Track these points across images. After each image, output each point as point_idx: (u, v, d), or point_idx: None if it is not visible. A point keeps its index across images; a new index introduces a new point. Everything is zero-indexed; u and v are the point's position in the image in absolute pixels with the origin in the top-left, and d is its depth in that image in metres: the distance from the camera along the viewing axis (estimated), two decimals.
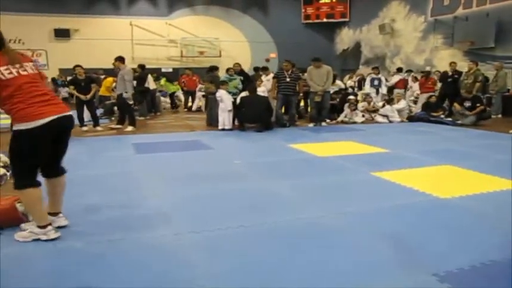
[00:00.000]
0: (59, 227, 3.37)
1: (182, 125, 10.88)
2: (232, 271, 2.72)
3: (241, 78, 10.86)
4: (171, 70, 20.43)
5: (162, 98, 14.79)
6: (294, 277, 2.63)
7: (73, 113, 3.44)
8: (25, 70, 3.12)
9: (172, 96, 15.71)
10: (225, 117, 9.70)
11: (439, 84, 12.96)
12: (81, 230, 3.41)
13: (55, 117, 3.11)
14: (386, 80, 14.07)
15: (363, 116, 11.85)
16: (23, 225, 3.33)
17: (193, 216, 3.77)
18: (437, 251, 3.00)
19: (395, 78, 14.15)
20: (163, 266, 2.79)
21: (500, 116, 12.25)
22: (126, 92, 9.65)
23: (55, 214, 3.43)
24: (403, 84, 14.11)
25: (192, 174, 5.37)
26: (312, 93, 10.41)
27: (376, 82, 13.52)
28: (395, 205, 4.09)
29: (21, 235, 3.21)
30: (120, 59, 9.77)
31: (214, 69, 11.37)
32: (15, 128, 3.06)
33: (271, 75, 11.50)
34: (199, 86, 15.00)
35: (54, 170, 3.40)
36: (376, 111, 12.06)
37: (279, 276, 2.64)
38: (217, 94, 9.76)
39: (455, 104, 11.33)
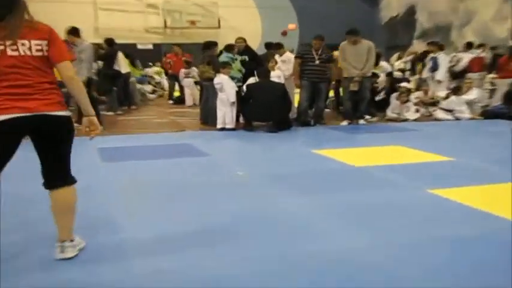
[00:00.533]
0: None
1: (167, 123, 11.03)
2: None
3: (246, 58, 10.96)
4: (150, 47, 20.51)
5: (138, 86, 14.95)
6: None
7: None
8: (16, 50, 3.23)
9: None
10: (226, 113, 9.84)
11: None
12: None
13: (20, 115, 3.23)
14: (453, 64, 13.90)
15: (417, 111, 11.88)
16: None
17: (180, 248, 3.86)
18: None
19: (465, 58, 13.92)
20: None
21: None
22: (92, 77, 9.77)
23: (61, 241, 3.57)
24: (479, 65, 13.79)
25: (180, 191, 5.50)
26: (346, 79, 10.49)
27: (431, 63, 13.43)
28: (461, 235, 4.08)
29: None
30: (74, 32, 9.65)
31: (211, 45, 11.45)
32: None
33: (288, 54, 11.60)
34: (183, 70, 15.15)
35: (50, 181, 3.53)
36: (435, 103, 12.10)
37: None
38: (216, 81, 9.88)
39: None
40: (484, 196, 5.23)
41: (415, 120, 11.31)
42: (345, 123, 10.67)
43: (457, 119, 11.53)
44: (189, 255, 3.66)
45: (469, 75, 13.31)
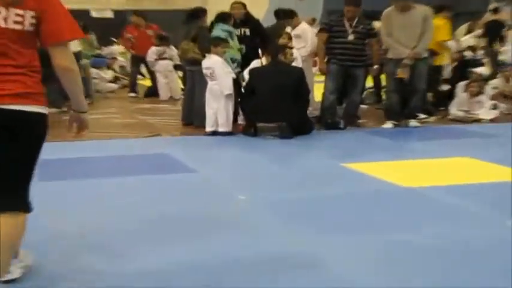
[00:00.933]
0: None
1: (134, 125, 10.99)
2: None
3: (247, 31, 10.87)
4: (110, 15, 20.52)
5: (94, 71, 14.95)
6: None
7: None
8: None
9: None
10: (218, 110, 9.76)
11: None
12: None
13: None
14: None
15: (495, 107, 11.85)
16: None
17: None
18: None
19: None
20: None
21: None
22: None
23: None
24: None
25: (152, 225, 5.42)
26: (391, 61, 10.45)
27: None
28: None
29: None
30: None
31: (199, 14, 11.40)
32: None
33: (305, 26, 11.59)
34: (154, 48, 15.06)
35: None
36: None
37: None
38: (206, 64, 9.78)
39: None
40: None
41: (492, 120, 11.25)
42: (389, 125, 10.62)
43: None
44: None
45: None
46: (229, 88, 9.64)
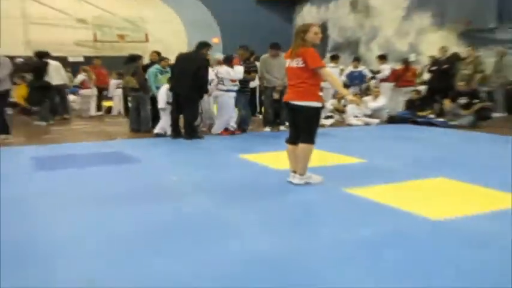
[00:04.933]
0: None
1: (97, 132, 10.71)
2: None
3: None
4: (81, 59, 20.01)
5: (71, 97, 14.66)
6: None
7: None
8: None
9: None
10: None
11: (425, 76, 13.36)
12: None
13: None
14: (374, 73, 14.16)
15: (331, 117, 12.03)
16: None
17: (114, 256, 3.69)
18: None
19: (386, 69, 14.01)
20: None
21: (504, 114, 12.63)
22: None
23: None
24: (394, 76, 13.85)
25: (110, 196, 5.28)
26: (268, 89, 10.49)
27: (356, 76, 13.80)
28: (375, 231, 4.14)
29: None
30: None
31: (136, 58, 11.25)
32: None
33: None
34: (114, 81, 14.94)
35: None
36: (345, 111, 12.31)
37: None
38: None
39: (446, 101, 11.68)
40: (396, 194, 5.29)
41: (331, 125, 11.45)
42: (267, 129, 10.66)
43: (367, 124, 11.78)
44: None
45: (385, 84, 13.53)
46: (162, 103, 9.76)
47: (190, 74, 9.21)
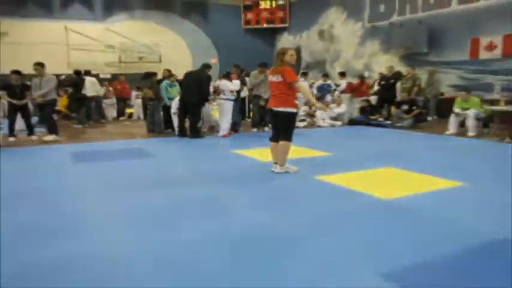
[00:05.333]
0: None
1: (122, 133, 10.63)
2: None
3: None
4: (109, 76, 19.91)
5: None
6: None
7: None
8: None
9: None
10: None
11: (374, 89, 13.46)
12: None
13: None
14: (336, 86, 14.34)
15: (304, 120, 12.04)
16: None
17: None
18: (381, 250, 3.08)
19: (344, 83, 14.14)
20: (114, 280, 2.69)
21: (435, 118, 12.79)
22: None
23: None
24: (350, 88, 13.93)
25: (131, 180, 5.24)
26: (256, 97, 10.45)
27: (323, 88, 13.97)
28: (340, 207, 4.18)
29: None
30: (42, 65, 9.16)
31: (151, 75, 11.23)
32: None
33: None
34: (135, 93, 14.85)
35: None
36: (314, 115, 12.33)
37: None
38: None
39: (392, 108, 11.80)
40: (355, 179, 5.31)
41: (304, 127, 11.44)
42: (254, 130, 10.62)
43: (332, 125, 11.81)
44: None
45: (344, 95, 13.63)
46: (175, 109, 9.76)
47: (196, 87, 9.33)
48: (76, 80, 12.36)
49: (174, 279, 2.68)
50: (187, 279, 2.68)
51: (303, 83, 5.43)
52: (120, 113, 15.05)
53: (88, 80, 12.89)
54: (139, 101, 14.10)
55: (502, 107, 9.34)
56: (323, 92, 13.91)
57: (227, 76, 9.91)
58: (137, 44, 21.37)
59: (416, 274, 2.71)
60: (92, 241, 3.31)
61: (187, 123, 9.69)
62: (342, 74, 14.46)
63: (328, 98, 13.55)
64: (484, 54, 12.87)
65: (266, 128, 10.53)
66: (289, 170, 5.72)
